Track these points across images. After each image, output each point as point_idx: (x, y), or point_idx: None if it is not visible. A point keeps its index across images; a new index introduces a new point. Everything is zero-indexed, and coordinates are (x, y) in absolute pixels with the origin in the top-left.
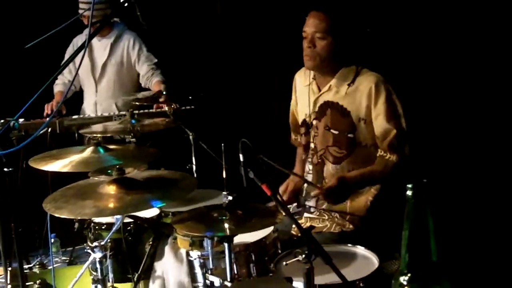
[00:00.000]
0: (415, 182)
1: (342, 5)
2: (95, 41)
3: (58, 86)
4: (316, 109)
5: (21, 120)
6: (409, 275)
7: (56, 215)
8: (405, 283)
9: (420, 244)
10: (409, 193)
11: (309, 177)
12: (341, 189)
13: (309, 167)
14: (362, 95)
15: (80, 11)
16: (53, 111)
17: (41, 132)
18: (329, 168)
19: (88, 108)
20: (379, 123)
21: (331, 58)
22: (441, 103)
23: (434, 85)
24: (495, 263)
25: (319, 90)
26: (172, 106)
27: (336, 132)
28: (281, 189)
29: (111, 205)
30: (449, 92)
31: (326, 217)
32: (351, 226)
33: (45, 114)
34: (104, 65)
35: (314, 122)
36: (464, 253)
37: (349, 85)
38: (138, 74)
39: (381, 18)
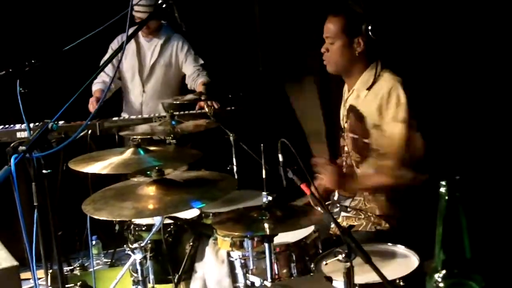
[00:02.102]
0: (448, 179)
1: (351, 5)
2: (143, 41)
3: (97, 85)
4: (346, 112)
5: (61, 122)
6: (443, 272)
7: (95, 216)
8: (439, 279)
9: (453, 241)
10: (442, 190)
11: None
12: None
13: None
14: (376, 102)
15: (135, 12)
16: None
17: (81, 134)
18: (357, 171)
19: (134, 109)
20: (385, 129)
21: (345, 61)
22: (474, 99)
23: (468, 81)
24: None
25: (348, 93)
26: (210, 105)
27: (356, 137)
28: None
29: (151, 206)
30: (482, 87)
31: (362, 216)
32: (387, 225)
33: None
34: (153, 66)
35: (346, 125)
36: (499, 249)
37: (368, 89)
38: (184, 76)
39: (400, 17)
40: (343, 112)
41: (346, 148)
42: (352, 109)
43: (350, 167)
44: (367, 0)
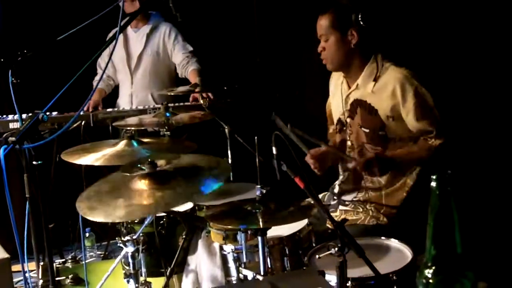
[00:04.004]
0: (440, 173)
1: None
2: (130, 32)
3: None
4: (348, 107)
5: (54, 113)
6: (433, 268)
7: (90, 218)
8: (430, 276)
9: (445, 236)
10: (433, 184)
11: (346, 174)
12: (379, 162)
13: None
14: (387, 95)
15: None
16: (94, 107)
17: (75, 125)
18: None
19: (124, 100)
20: (412, 122)
21: (343, 55)
22: (467, 94)
23: (462, 75)
24: None
25: (349, 87)
26: (206, 97)
27: (367, 130)
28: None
29: (145, 202)
30: (476, 83)
31: (361, 210)
32: (385, 219)
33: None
34: (140, 56)
35: (348, 120)
36: (490, 244)
37: (374, 82)
38: (175, 66)
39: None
40: (344, 107)
41: (349, 143)
42: (360, 103)
43: None
44: None
